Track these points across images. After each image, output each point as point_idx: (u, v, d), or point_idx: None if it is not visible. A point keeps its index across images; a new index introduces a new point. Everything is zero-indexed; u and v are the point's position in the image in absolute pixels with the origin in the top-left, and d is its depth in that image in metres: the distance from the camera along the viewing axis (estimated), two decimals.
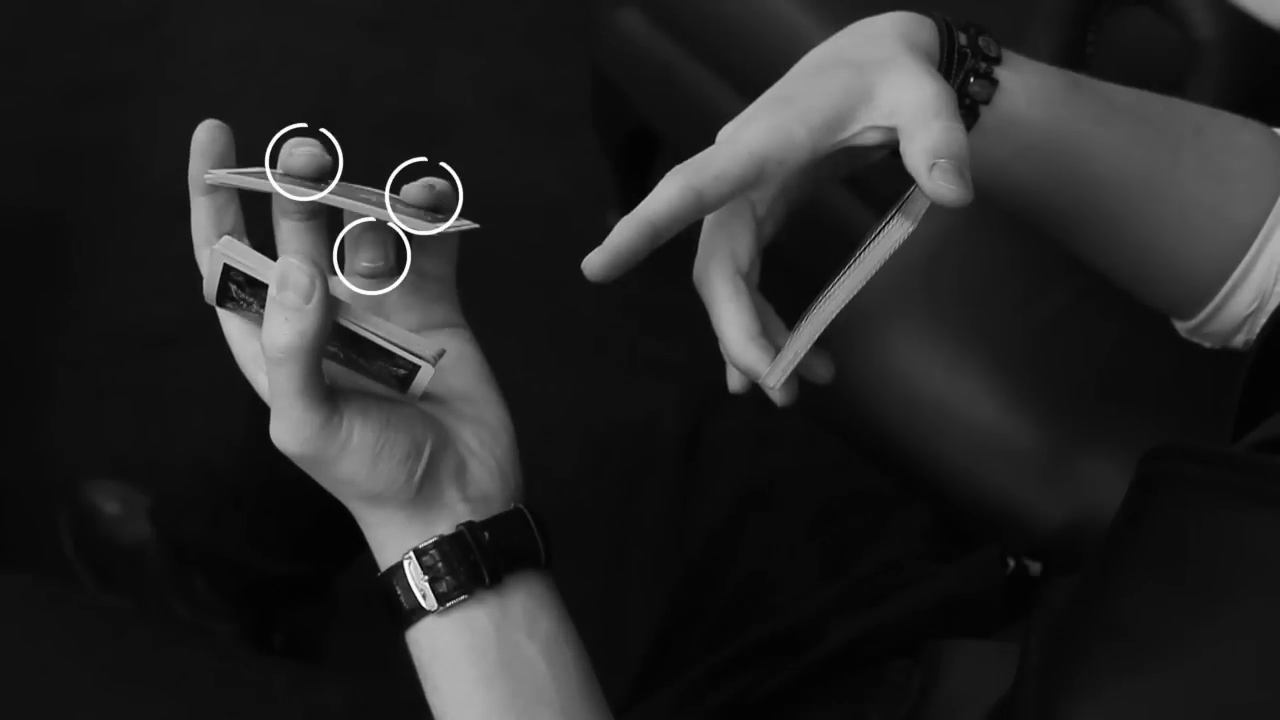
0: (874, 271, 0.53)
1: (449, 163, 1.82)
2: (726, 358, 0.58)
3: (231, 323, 0.58)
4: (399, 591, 0.55)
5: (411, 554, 0.55)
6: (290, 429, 0.52)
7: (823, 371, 0.59)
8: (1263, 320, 0.64)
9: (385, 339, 0.53)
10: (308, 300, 0.50)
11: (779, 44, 1.15)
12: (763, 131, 0.53)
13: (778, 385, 0.56)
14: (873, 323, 0.92)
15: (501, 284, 1.50)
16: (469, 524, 0.56)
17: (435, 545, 0.55)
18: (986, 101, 0.58)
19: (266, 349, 0.51)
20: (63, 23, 1.82)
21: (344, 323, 0.53)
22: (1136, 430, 0.85)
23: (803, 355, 0.56)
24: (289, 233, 0.59)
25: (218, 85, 1.78)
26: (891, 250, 0.53)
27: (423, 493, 0.55)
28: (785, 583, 0.80)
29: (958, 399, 0.89)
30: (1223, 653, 0.43)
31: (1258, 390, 0.57)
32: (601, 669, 0.59)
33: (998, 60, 0.58)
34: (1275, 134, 0.65)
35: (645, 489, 0.83)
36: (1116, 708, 0.43)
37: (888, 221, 0.54)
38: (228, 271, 0.54)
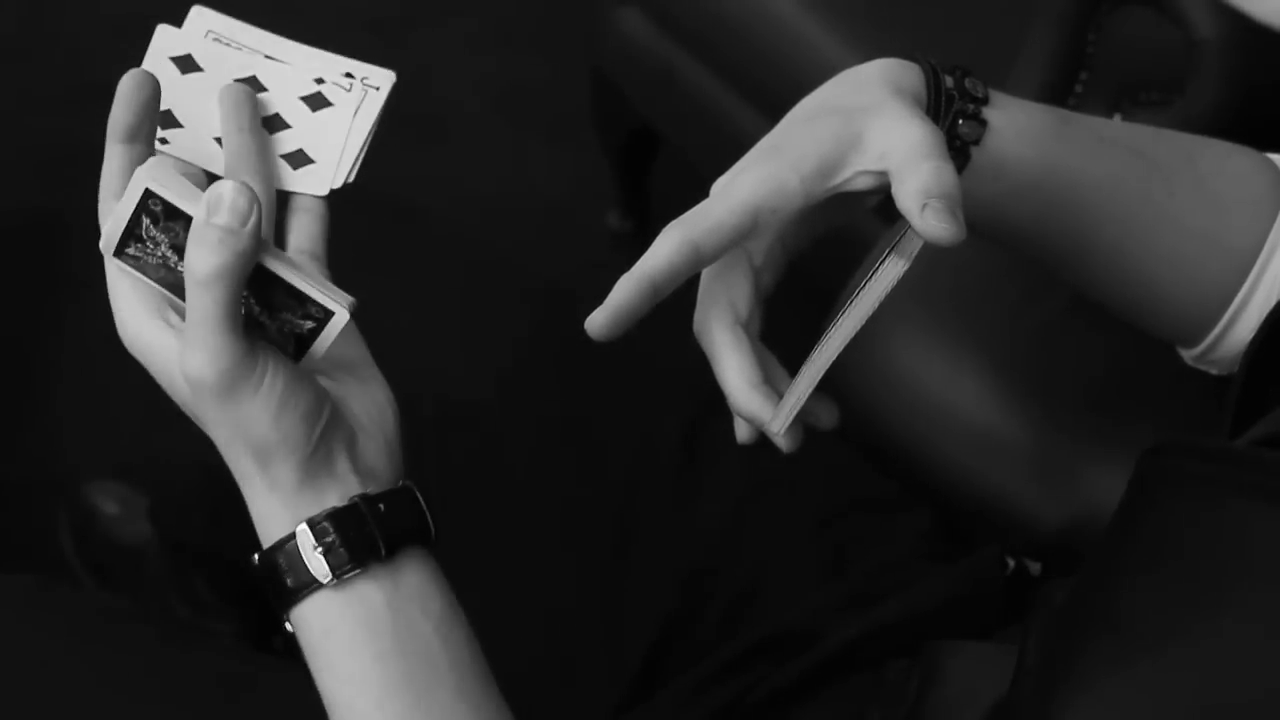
0: (871, 312, 0.54)
1: (449, 163, 1.81)
2: (731, 407, 0.58)
3: (123, 282, 0.57)
4: (285, 566, 0.55)
5: (304, 524, 0.55)
6: (209, 357, 0.52)
7: (826, 417, 0.59)
8: None
9: (303, 280, 0.53)
10: (244, 223, 0.51)
11: (779, 45, 1.15)
12: (755, 181, 0.54)
13: (782, 431, 0.57)
14: (873, 324, 0.92)
15: (501, 283, 1.50)
16: (363, 496, 0.56)
17: (329, 516, 0.55)
18: (976, 142, 0.58)
19: (194, 272, 0.51)
20: (63, 23, 1.82)
21: (264, 260, 0.52)
22: (1136, 431, 0.85)
23: (805, 399, 0.56)
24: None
25: None
26: (887, 290, 0.54)
27: (316, 456, 0.55)
28: (785, 584, 0.80)
29: (957, 401, 0.89)
30: (1222, 645, 0.43)
31: (1255, 387, 0.57)
32: (602, 669, 0.59)
33: (985, 101, 0.59)
34: (1267, 159, 0.65)
35: (645, 489, 0.83)
36: (1115, 700, 0.44)
37: (882, 261, 0.54)
38: (146, 201, 0.53)
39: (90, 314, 1.48)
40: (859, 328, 0.54)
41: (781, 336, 0.61)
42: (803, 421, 0.58)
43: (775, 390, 0.57)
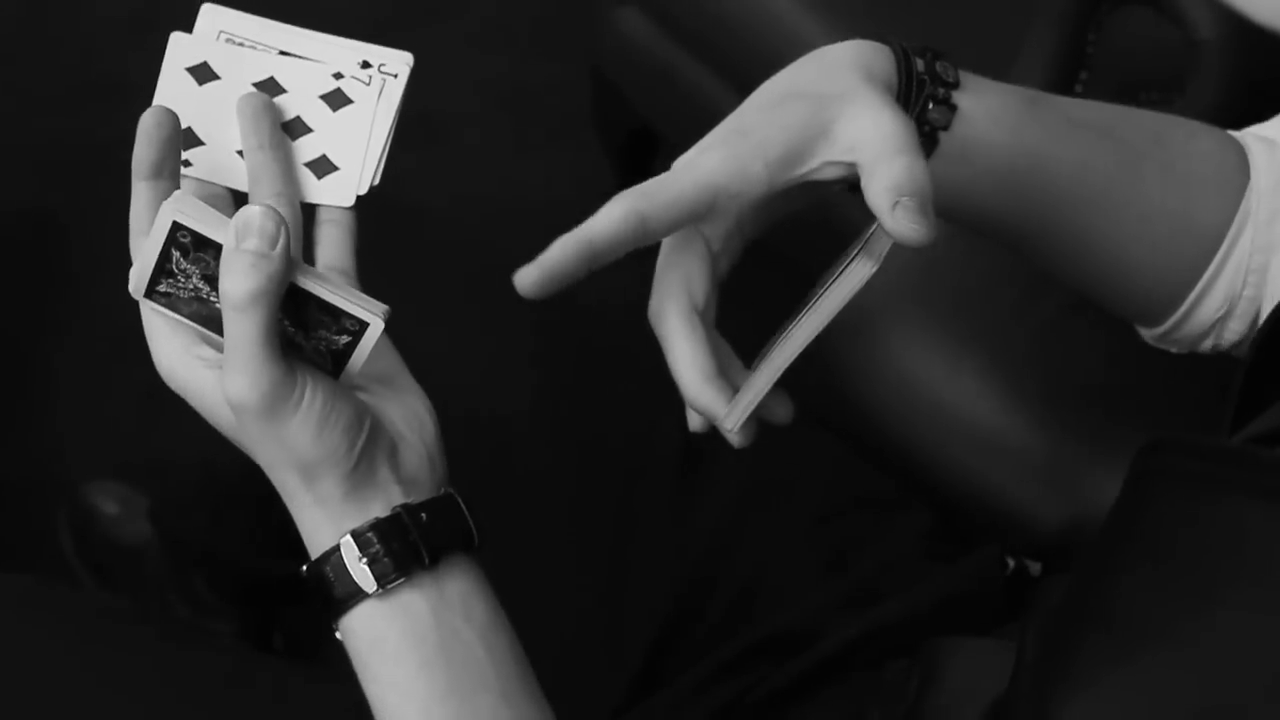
0: (836, 313, 0.52)
1: (449, 163, 1.81)
2: (684, 398, 0.57)
3: (156, 322, 0.57)
4: (333, 577, 0.55)
5: (349, 536, 0.55)
6: (250, 381, 0.52)
7: (781, 413, 0.58)
8: (1232, 325, 0.64)
9: (334, 294, 0.53)
10: (274, 246, 0.51)
11: (779, 44, 1.14)
12: (718, 162, 0.53)
13: (735, 428, 0.55)
14: (873, 324, 0.92)
15: (500, 283, 1.49)
16: (405, 505, 0.56)
17: (373, 527, 0.55)
18: (945, 127, 0.57)
19: (230, 298, 0.51)
20: (63, 23, 1.82)
21: (295, 278, 0.52)
22: (1136, 430, 0.85)
23: (762, 397, 0.54)
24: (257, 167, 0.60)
25: None
26: (854, 291, 0.52)
27: (359, 469, 0.55)
28: (785, 583, 0.79)
29: (957, 400, 0.89)
30: (1217, 642, 0.43)
31: (1255, 385, 0.57)
32: (601, 669, 0.59)
33: (955, 85, 0.58)
34: (1232, 137, 0.65)
35: (645, 490, 0.83)
36: (1112, 697, 0.44)
37: (850, 261, 0.53)
38: (174, 234, 0.53)
39: (90, 314, 1.48)
40: (822, 328, 0.52)
41: (759, 325, 0.60)
42: (757, 416, 0.56)
43: (730, 383, 0.56)
